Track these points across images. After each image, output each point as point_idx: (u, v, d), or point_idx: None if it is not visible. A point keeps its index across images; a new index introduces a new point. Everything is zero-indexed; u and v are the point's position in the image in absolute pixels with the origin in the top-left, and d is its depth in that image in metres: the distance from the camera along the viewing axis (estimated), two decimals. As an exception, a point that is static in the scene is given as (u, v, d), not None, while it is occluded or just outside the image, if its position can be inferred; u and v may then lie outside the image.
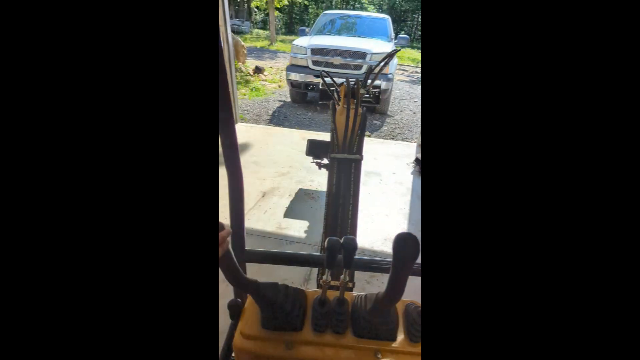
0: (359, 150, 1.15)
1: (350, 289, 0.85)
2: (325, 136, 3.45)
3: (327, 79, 1.49)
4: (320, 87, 1.73)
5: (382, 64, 1.39)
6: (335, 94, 1.42)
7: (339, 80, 1.50)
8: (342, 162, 1.12)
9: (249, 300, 0.64)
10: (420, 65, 9.38)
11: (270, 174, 3.04)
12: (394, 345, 0.58)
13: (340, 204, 1.07)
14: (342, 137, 1.14)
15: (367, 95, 1.63)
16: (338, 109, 1.22)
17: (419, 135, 4.13)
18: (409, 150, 3.80)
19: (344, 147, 1.13)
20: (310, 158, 1.72)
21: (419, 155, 3.51)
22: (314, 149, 1.80)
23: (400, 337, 0.59)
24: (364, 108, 1.21)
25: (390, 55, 1.45)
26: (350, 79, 1.23)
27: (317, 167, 1.76)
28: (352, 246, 0.53)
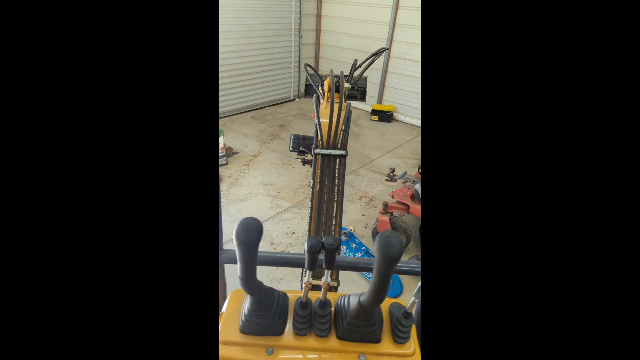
0: (344, 146, 1.13)
1: (335, 289, 0.82)
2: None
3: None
4: (305, 82, 1.69)
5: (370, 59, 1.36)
6: (319, 88, 1.38)
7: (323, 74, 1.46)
8: (326, 158, 1.10)
9: (228, 305, 0.62)
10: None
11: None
12: (379, 347, 0.56)
13: (324, 202, 1.03)
14: (327, 132, 1.12)
15: (353, 89, 1.60)
16: (322, 103, 1.19)
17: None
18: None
19: (328, 143, 1.11)
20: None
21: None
22: (298, 145, 1.76)
23: (385, 338, 0.57)
24: (349, 102, 1.18)
25: (377, 53, 1.43)
26: (336, 74, 1.20)
27: (301, 163, 1.73)
28: (334, 246, 0.51)
